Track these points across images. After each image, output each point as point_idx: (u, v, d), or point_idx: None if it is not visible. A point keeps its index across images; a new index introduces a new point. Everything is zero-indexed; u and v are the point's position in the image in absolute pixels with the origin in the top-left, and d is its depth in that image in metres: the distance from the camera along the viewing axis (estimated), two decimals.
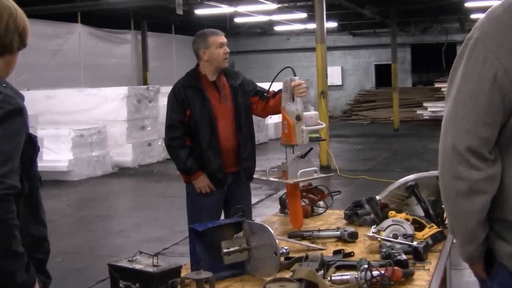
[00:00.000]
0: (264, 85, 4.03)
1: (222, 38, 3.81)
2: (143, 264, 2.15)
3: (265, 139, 15.56)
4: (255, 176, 3.85)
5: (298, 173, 3.03)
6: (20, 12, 1.94)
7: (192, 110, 3.75)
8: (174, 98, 3.82)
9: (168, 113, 3.86)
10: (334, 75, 21.50)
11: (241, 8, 15.02)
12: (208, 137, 3.74)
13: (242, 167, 3.84)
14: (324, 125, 3.29)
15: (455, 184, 1.71)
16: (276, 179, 3.17)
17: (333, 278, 2.17)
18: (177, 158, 3.81)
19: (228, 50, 3.82)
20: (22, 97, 1.94)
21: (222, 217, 3.88)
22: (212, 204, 3.83)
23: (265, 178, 3.22)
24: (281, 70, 3.36)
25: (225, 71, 3.88)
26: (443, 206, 2.89)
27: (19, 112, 1.91)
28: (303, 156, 3.13)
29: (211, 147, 3.75)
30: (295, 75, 3.24)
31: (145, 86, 14.01)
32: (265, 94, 3.83)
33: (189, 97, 3.77)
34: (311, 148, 3.18)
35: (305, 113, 3.14)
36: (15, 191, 1.83)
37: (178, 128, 3.79)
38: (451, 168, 1.70)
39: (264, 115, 3.98)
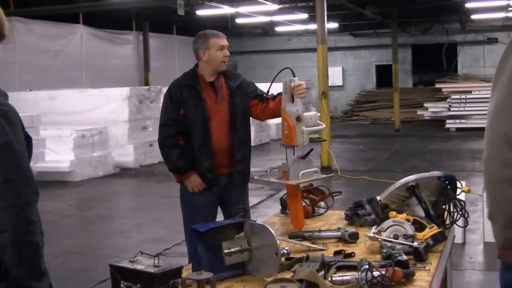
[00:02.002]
0: (267, 85, 4.02)
1: (223, 41, 3.80)
2: (144, 264, 2.16)
3: (267, 139, 15.57)
4: (256, 177, 3.86)
5: (300, 174, 3.04)
6: None
7: (186, 109, 3.74)
8: (169, 97, 3.81)
9: (163, 111, 3.85)
10: (335, 76, 21.49)
11: (242, 9, 15.03)
12: (200, 137, 3.72)
13: (235, 169, 3.81)
14: (324, 125, 3.29)
15: (502, 170, 1.72)
16: (277, 180, 3.18)
17: (333, 278, 2.18)
18: (168, 158, 3.80)
19: (228, 53, 3.80)
20: (6, 97, 1.93)
21: (219, 218, 3.86)
22: (205, 204, 3.81)
23: (266, 179, 3.23)
24: (280, 71, 3.36)
25: (225, 72, 3.86)
26: (443, 207, 2.92)
27: (15, 118, 1.90)
28: (303, 157, 3.14)
29: (203, 147, 3.73)
30: (294, 76, 3.24)
31: (147, 87, 14.02)
32: (264, 95, 3.82)
33: (184, 96, 3.75)
34: (312, 149, 3.19)
35: (304, 114, 3.14)
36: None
37: (171, 127, 3.77)
38: (499, 154, 1.71)
39: (262, 118, 3.91)
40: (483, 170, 1.78)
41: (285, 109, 3.17)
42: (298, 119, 3.10)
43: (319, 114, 3.36)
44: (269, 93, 3.77)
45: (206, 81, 3.81)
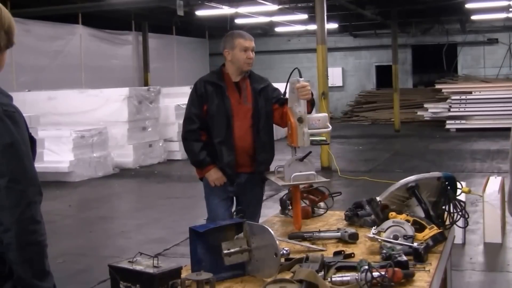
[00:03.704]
0: None
1: (249, 43, 3.82)
2: (144, 265, 2.16)
3: None
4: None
5: (292, 176, 3.05)
6: (4, 10, 1.95)
7: (210, 105, 3.78)
8: (194, 92, 3.87)
9: (187, 106, 3.90)
10: (335, 76, 21.47)
11: (242, 9, 15.03)
12: (223, 133, 3.77)
13: (256, 170, 3.83)
14: (330, 127, 3.25)
15: None
16: (276, 180, 3.19)
17: (333, 279, 2.17)
18: (190, 150, 3.86)
19: (251, 55, 3.81)
20: (11, 98, 1.94)
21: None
22: (224, 197, 3.87)
23: (273, 179, 3.23)
24: (291, 72, 3.35)
25: (251, 75, 3.90)
26: (443, 207, 2.92)
27: (20, 118, 1.92)
28: (301, 159, 3.13)
29: (225, 143, 3.77)
30: (301, 77, 3.24)
31: (146, 87, 14.02)
32: (281, 97, 3.81)
33: (208, 93, 3.80)
34: (310, 152, 3.19)
35: (314, 115, 3.14)
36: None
37: (195, 122, 3.82)
38: None
39: (283, 124, 3.78)
40: (509, 171, 1.77)
41: (292, 108, 3.17)
42: (300, 120, 3.10)
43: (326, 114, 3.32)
44: (286, 97, 3.75)
45: (232, 80, 3.85)
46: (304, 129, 3.09)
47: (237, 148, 3.79)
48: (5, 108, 1.86)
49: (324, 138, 3.31)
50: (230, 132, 3.77)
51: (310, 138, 3.14)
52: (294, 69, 3.33)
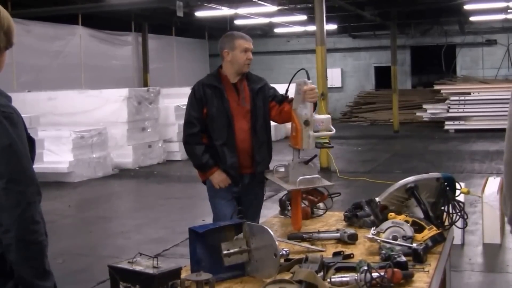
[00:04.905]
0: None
1: (249, 44, 3.84)
2: (143, 265, 2.16)
3: None
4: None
5: (298, 180, 3.05)
6: (3, 11, 1.96)
7: (209, 108, 3.78)
8: (193, 96, 3.86)
9: (187, 110, 3.90)
10: (334, 77, 21.50)
11: (241, 10, 15.04)
12: (225, 135, 3.77)
13: (257, 170, 3.83)
14: (334, 130, 3.22)
15: None
16: (279, 181, 3.19)
17: (333, 279, 2.18)
18: (193, 154, 3.85)
19: (251, 57, 3.83)
20: (10, 99, 1.95)
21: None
22: (229, 198, 3.87)
23: (275, 180, 3.23)
24: (296, 72, 3.33)
25: (248, 75, 3.91)
26: (442, 208, 2.92)
27: (18, 119, 1.93)
28: (306, 162, 3.13)
29: (228, 145, 3.78)
30: (308, 79, 3.22)
31: (146, 88, 14.03)
32: (281, 96, 3.81)
33: (207, 95, 3.80)
34: (315, 155, 3.18)
35: (317, 117, 3.14)
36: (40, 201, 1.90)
37: (195, 125, 3.82)
38: None
39: (280, 121, 3.86)
40: (504, 172, 1.76)
41: (296, 110, 3.16)
42: (306, 123, 3.09)
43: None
44: (287, 95, 3.74)
45: (230, 82, 3.85)
46: (309, 132, 3.08)
47: (238, 149, 3.79)
48: (3, 109, 1.87)
49: (327, 140, 3.28)
50: (231, 133, 3.77)
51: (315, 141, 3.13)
52: (300, 69, 3.29)
